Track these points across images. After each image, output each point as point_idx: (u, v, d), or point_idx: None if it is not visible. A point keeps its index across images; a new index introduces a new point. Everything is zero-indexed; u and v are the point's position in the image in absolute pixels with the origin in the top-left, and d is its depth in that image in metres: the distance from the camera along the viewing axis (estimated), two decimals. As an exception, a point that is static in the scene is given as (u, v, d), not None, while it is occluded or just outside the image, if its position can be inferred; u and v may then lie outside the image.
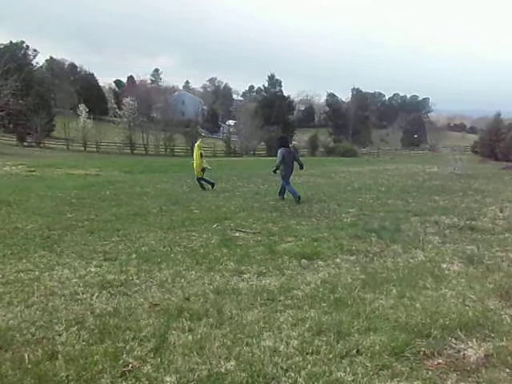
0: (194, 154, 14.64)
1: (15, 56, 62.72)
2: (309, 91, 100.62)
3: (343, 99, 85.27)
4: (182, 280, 5.26)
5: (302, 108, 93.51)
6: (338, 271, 5.55)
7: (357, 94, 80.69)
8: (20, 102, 48.04)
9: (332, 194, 12.59)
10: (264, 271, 5.54)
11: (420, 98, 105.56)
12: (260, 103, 72.16)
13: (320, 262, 5.93)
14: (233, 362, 3.37)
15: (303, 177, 16.82)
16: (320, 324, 3.97)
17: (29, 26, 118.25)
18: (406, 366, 3.29)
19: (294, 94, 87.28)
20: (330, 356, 3.43)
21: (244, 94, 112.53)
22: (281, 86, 78.41)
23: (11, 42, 70.78)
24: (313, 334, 3.81)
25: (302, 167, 11.79)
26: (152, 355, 3.49)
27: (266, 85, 79.16)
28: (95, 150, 52.65)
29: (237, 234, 7.62)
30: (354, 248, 6.60)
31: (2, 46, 66.62)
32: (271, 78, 78.18)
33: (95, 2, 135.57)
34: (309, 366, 3.31)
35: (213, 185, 14.16)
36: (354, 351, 3.48)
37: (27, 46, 73.71)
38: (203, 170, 14.24)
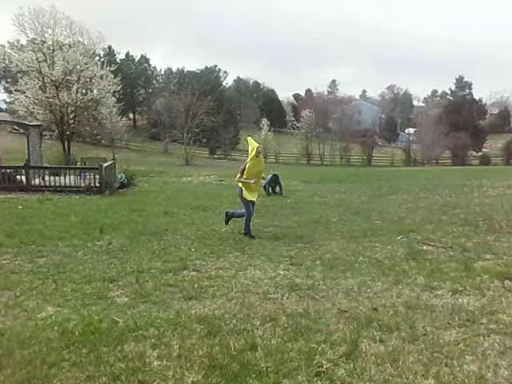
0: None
1: (209, 79, 71.29)
2: (504, 92, 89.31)
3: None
4: (369, 290, 5.19)
5: (495, 111, 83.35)
6: (553, 298, 4.76)
7: None
8: (212, 119, 54.41)
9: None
10: (460, 289, 5.08)
11: None
12: (445, 108, 66.83)
13: (529, 286, 5.17)
14: (432, 381, 3.17)
15: (498, 189, 15.07)
16: (535, 356, 3.45)
17: (221, 51, 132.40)
18: None
19: (485, 96, 79.01)
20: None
21: (425, 100, 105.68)
22: (471, 88, 71.83)
23: (206, 66, 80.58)
24: (526, 366, 3.34)
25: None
26: (344, 360, 3.52)
27: (453, 88, 73.17)
28: (274, 160, 55.86)
29: (425, 248, 7.17)
30: None
31: (198, 71, 76.39)
32: (459, 80, 72.09)
33: (279, 31, 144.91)
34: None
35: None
36: None
37: (219, 69, 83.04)
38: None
